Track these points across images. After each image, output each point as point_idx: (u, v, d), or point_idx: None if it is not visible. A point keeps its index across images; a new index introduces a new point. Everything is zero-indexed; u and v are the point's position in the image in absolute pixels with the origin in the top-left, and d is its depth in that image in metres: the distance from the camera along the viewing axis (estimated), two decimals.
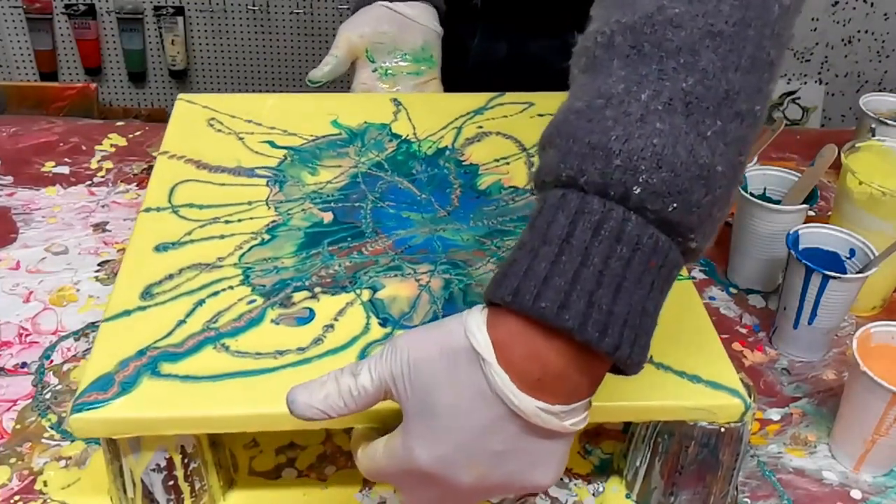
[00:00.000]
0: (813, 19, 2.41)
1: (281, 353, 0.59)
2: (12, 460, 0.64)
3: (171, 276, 0.65)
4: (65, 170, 0.95)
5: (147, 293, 0.63)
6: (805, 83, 2.49)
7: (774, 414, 0.73)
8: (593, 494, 0.65)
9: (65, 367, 0.72)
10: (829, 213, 0.89)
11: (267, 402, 0.56)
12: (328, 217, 0.72)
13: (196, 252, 0.67)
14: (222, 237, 0.69)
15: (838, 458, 0.69)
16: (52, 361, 0.73)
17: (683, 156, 0.42)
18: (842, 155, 0.82)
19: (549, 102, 0.88)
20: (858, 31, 2.45)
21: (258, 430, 0.56)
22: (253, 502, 0.63)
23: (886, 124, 0.94)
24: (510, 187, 0.77)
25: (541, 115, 0.87)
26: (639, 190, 0.42)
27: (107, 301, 0.64)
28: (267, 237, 0.69)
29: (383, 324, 0.62)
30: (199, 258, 0.67)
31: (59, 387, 0.70)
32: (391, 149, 0.81)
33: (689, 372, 0.60)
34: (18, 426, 0.67)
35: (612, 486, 0.65)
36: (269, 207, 0.73)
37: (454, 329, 0.45)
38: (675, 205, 0.42)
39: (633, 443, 0.64)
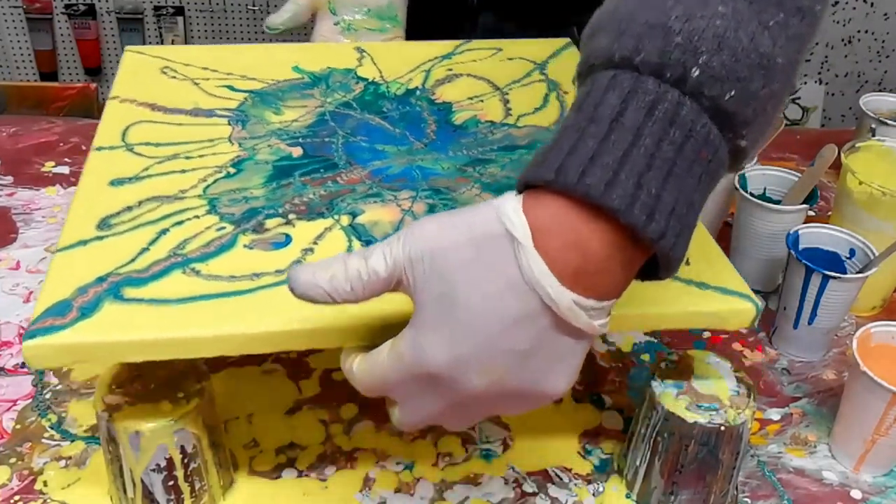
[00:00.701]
0: None
1: (258, 275, 0.55)
2: (12, 460, 0.64)
3: (129, 208, 0.61)
4: (65, 170, 0.95)
5: (104, 224, 0.59)
6: (805, 83, 2.49)
7: (774, 414, 0.73)
8: (593, 494, 0.65)
9: (65, 367, 0.72)
10: (829, 213, 0.89)
11: (245, 322, 0.52)
12: (297, 151, 0.69)
13: (155, 186, 0.63)
14: (183, 171, 0.65)
15: (838, 458, 0.69)
16: None
17: (745, 41, 0.40)
18: (842, 155, 0.82)
19: (519, 48, 0.86)
20: (858, 31, 2.45)
21: (236, 352, 0.52)
22: (253, 502, 0.63)
23: (886, 124, 0.94)
24: (487, 121, 0.75)
25: (510, 59, 0.84)
26: (697, 72, 0.40)
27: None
28: (233, 171, 0.66)
29: (367, 246, 0.60)
30: (159, 192, 0.63)
31: (59, 387, 0.70)
32: (358, 90, 0.78)
33: (695, 279, 0.58)
34: (18, 426, 0.67)
35: (612, 486, 0.65)
36: (233, 144, 0.69)
37: (485, 213, 0.42)
38: (732, 92, 0.40)
39: (632, 442, 0.64)
